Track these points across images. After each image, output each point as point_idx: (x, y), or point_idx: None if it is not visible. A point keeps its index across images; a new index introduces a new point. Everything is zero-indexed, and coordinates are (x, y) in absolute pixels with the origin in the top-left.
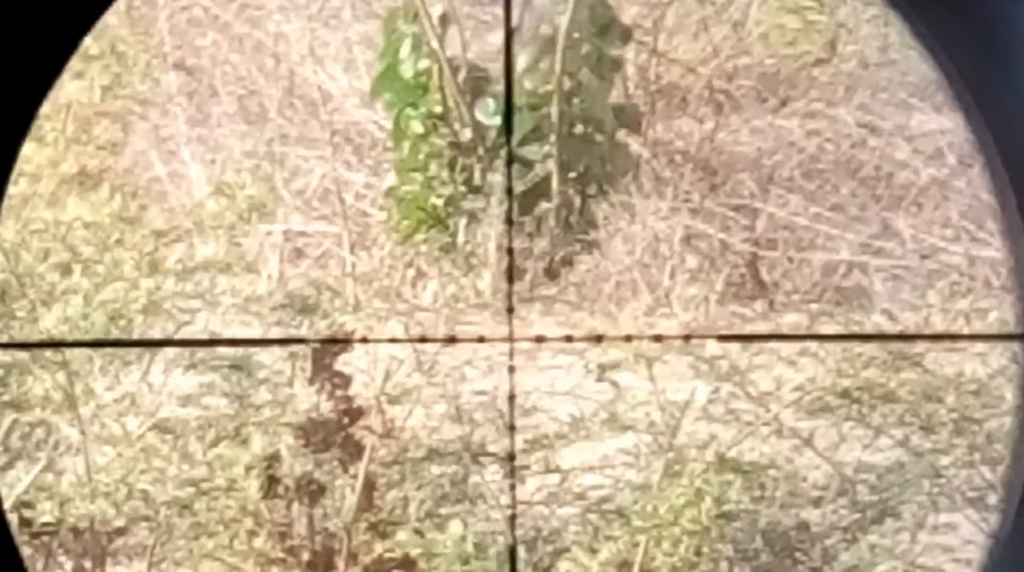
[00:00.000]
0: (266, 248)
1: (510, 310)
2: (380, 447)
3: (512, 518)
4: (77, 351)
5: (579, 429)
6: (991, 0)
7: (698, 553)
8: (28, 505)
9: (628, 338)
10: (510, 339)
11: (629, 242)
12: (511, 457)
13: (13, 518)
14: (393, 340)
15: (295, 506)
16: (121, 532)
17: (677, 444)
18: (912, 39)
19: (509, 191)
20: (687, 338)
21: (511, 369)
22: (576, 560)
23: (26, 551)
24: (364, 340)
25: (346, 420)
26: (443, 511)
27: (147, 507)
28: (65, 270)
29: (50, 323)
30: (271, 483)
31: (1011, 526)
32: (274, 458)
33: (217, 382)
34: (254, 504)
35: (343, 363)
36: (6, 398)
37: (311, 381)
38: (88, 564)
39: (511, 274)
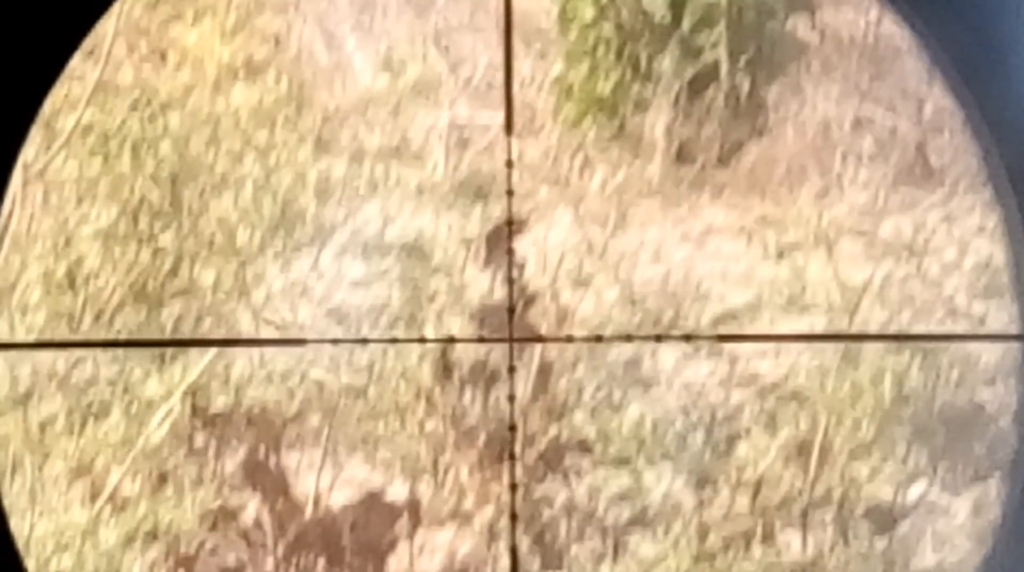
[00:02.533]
0: (431, 136)
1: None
2: (554, 331)
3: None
4: (246, 237)
5: (754, 313)
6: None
7: (877, 435)
8: (201, 392)
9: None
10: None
11: (799, 127)
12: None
13: (186, 406)
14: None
15: (469, 390)
16: (295, 418)
17: (855, 326)
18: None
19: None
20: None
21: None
22: (754, 443)
23: (199, 438)
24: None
25: (520, 305)
26: (619, 394)
27: (320, 393)
28: (235, 158)
29: (222, 211)
30: (445, 368)
31: (1011, 524)
32: (448, 343)
33: (390, 267)
34: (427, 389)
35: (515, 249)
36: (176, 285)
37: (484, 267)
38: (262, 450)
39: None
